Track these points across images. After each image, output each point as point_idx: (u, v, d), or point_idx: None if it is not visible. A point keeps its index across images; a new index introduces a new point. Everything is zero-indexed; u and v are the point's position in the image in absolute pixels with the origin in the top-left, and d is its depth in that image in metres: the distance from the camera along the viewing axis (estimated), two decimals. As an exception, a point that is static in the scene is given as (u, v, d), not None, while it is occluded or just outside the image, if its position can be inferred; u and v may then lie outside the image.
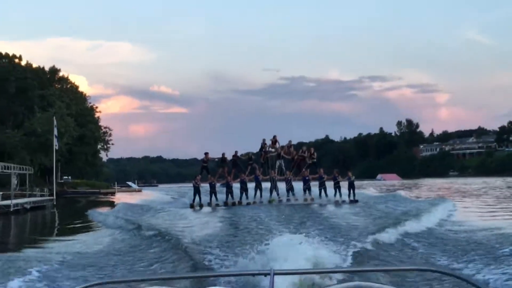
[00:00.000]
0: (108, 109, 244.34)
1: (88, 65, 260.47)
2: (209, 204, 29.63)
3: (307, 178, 30.27)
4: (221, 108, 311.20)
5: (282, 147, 33.25)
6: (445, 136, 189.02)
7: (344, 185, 30.91)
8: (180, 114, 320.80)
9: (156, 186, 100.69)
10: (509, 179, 79.34)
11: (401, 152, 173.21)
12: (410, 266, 9.97)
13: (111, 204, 41.52)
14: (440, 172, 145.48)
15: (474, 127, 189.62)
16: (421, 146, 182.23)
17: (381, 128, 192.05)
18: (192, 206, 29.51)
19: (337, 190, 30.23)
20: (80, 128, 67.19)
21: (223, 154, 33.07)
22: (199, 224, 20.17)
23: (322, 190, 30.01)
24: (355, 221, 19.29)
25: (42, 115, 59.37)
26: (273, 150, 32.86)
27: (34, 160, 57.57)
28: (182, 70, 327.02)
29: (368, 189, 44.91)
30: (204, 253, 11.95)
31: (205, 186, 30.85)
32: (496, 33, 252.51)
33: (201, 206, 29.39)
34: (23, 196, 42.43)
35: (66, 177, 71.81)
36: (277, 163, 32.03)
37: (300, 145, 33.34)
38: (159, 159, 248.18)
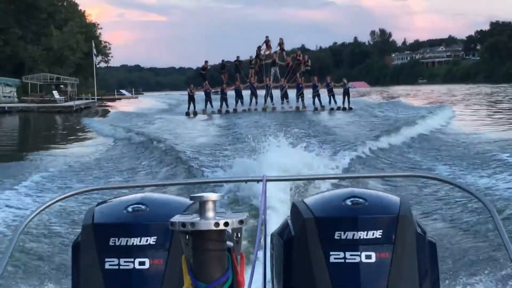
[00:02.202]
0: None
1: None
2: (204, 112, 29.58)
3: (300, 85, 29.96)
4: (199, 16, 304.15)
5: (276, 52, 32.78)
6: (417, 45, 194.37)
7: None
8: (157, 22, 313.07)
9: (142, 94, 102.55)
10: (467, 85, 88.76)
11: (373, 61, 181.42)
12: (404, 173, 10.01)
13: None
14: (410, 80, 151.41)
15: (451, 34, 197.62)
16: (393, 55, 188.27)
17: (355, 38, 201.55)
18: (187, 114, 29.50)
19: (331, 97, 29.94)
20: (85, 43, 73.56)
21: (222, 61, 32.93)
22: (193, 131, 20.21)
23: (316, 98, 29.78)
24: (349, 128, 19.36)
25: (57, 33, 66.17)
26: (267, 53, 32.49)
27: (51, 72, 63.89)
28: None
29: (369, 96, 44.94)
30: (198, 160, 11.96)
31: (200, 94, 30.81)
32: None
33: (195, 114, 29.38)
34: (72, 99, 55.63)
35: None
36: (272, 70, 31.72)
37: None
38: (137, 68, 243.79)
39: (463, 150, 13.40)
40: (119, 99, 77.56)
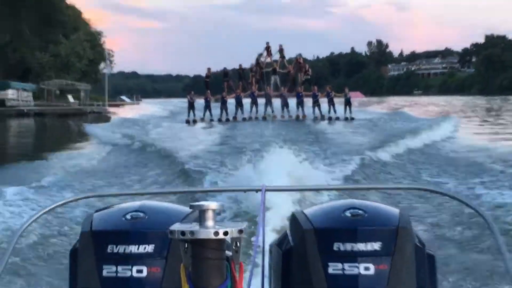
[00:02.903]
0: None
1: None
2: (202, 120, 29.60)
3: (300, 94, 29.95)
4: (196, 22, 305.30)
5: (276, 61, 32.85)
6: (413, 57, 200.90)
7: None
8: (154, 29, 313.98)
9: (141, 100, 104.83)
10: (463, 97, 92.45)
11: (370, 71, 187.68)
12: (406, 185, 9.98)
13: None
14: (405, 91, 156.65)
15: (447, 46, 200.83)
16: (389, 66, 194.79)
17: (352, 48, 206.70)
18: (187, 121, 29.48)
19: (331, 106, 29.88)
20: (91, 50, 78.95)
21: (224, 68, 33.02)
22: (193, 139, 20.16)
23: (316, 107, 29.79)
24: (350, 138, 19.28)
25: (65, 40, 70.37)
26: (268, 60, 32.55)
27: (58, 78, 68.44)
28: None
29: (372, 106, 45.05)
30: (197, 168, 11.93)
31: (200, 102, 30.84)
32: None
33: (195, 121, 29.38)
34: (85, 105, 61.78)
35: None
36: (272, 78, 31.78)
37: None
38: (134, 74, 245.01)
39: (467, 162, 13.34)
40: (122, 105, 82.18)
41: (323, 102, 30.18)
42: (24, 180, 10.95)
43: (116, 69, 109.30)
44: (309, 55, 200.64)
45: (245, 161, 10.58)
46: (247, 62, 33.03)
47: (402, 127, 23.79)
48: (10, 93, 54.70)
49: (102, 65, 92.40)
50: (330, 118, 29.10)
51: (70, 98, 64.16)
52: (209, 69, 33.44)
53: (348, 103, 29.91)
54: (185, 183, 10.63)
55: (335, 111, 29.73)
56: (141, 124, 28.47)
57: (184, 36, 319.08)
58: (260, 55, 32.74)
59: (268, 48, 32.91)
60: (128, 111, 56.48)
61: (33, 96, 60.88)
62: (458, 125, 24.12)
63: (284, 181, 8.13)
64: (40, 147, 23.63)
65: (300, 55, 33.63)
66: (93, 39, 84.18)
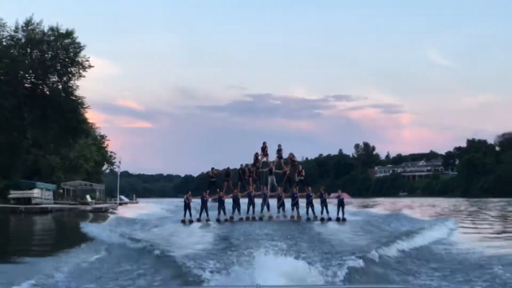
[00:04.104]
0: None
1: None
2: (198, 220, 29.65)
3: (295, 195, 30.32)
4: (186, 123, 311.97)
5: (273, 161, 33.41)
6: (399, 159, 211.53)
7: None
8: (145, 129, 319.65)
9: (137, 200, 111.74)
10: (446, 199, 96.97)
11: (357, 173, 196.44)
12: (396, 285, 10.01)
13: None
14: (391, 192, 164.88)
15: (433, 148, 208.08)
16: (376, 168, 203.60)
17: (340, 150, 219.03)
18: (183, 221, 29.51)
19: (324, 207, 30.19)
20: (96, 153, 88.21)
21: (227, 168, 33.32)
22: (190, 239, 20.18)
23: (310, 208, 30.07)
24: (345, 239, 19.35)
25: (75, 144, 73.57)
26: (265, 160, 33.07)
27: (66, 178, 76.35)
28: (148, 85, 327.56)
29: (374, 207, 45.26)
30: (192, 268, 11.97)
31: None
32: (458, 56, 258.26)
33: (191, 221, 29.42)
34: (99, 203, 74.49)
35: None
36: (269, 179, 32.13)
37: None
38: (125, 174, 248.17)
39: (464, 264, 13.46)
40: (125, 203, 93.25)
41: (316, 202, 30.50)
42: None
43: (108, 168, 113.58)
44: (299, 156, 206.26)
45: (240, 260, 10.68)
46: (236, 162, 33.64)
47: (395, 228, 23.99)
48: (36, 192, 60.68)
49: (105, 166, 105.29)
50: (322, 219, 29.26)
51: (88, 197, 74.95)
52: (212, 168, 33.78)
53: (341, 204, 30.28)
54: (180, 283, 10.64)
55: (327, 212, 29.98)
56: (140, 223, 29.24)
57: (174, 136, 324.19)
58: (257, 154, 33.24)
59: (264, 149, 33.49)
60: (133, 209, 60.64)
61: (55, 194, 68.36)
62: (455, 227, 24.53)
63: (278, 280, 8.24)
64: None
65: (292, 154, 34.18)
66: (98, 142, 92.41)
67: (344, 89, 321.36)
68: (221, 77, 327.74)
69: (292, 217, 29.68)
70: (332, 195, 35.62)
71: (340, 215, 29.94)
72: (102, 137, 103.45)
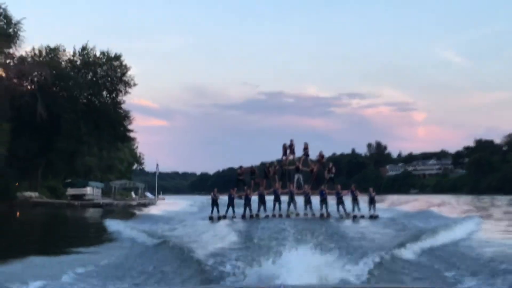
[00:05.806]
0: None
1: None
2: (224, 217, 29.53)
3: (323, 192, 29.99)
4: (201, 121, 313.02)
5: (299, 159, 33.19)
6: (410, 158, 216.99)
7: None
8: (160, 127, 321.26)
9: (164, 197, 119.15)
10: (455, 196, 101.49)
11: (369, 171, 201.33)
12: (423, 286, 9.75)
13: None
14: (402, 190, 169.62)
15: (445, 146, 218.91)
16: (387, 166, 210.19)
17: (353, 149, 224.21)
18: (211, 218, 29.48)
19: (355, 205, 29.85)
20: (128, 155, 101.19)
21: (252, 166, 33.59)
22: (215, 236, 20.08)
23: (340, 205, 29.74)
24: (372, 236, 19.01)
25: (112, 148, 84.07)
26: (291, 158, 32.90)
27: (103, 177, 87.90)
28: (162, 84, 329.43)
29: (401, 205, 44.98)
30: (217, 266, 11.83)
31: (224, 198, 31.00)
32: (471, 54, 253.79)
33: (219, 218, 29.35)
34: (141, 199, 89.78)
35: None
36: (296, 176, 31.91)
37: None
38: (142, 171, 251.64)
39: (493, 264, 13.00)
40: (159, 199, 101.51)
41: (346, 199, 30.18)
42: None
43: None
44: (313, 155, 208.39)
45: (264, 259, 10.49)
46: (254, 160, 34.12)
47: (425, 226, 23.49)
48: (88, 190, 72.37)
49: (135, 165, 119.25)
50: (354, 216, 28.85)
51: (133, 194, 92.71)
52: (241, 166, 33.88)
53: (372, 201, 29.89)
54: (205, 282, 10.51)
55: (359, 209, 29.59)
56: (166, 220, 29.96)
57: (189, 134, 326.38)
58: (284, 152, 33.10)
59: (291, 146, 33.29)
60: (162, 206, 65.09)
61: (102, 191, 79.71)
62: (480, 224, 24.22)
63: (303, 279, 8.04)
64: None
65: (321, 152, 33.87)
66: (129, 144, 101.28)
67: (357, 87, 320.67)
68: (234, 75, 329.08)
69: (321, 215, 29.32)
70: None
71: (372, 211, 29.50)
72: (133, 139, 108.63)
